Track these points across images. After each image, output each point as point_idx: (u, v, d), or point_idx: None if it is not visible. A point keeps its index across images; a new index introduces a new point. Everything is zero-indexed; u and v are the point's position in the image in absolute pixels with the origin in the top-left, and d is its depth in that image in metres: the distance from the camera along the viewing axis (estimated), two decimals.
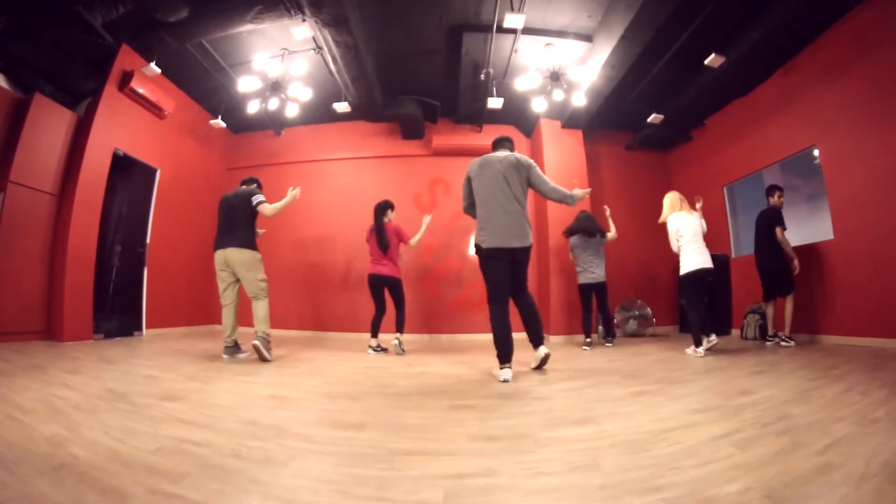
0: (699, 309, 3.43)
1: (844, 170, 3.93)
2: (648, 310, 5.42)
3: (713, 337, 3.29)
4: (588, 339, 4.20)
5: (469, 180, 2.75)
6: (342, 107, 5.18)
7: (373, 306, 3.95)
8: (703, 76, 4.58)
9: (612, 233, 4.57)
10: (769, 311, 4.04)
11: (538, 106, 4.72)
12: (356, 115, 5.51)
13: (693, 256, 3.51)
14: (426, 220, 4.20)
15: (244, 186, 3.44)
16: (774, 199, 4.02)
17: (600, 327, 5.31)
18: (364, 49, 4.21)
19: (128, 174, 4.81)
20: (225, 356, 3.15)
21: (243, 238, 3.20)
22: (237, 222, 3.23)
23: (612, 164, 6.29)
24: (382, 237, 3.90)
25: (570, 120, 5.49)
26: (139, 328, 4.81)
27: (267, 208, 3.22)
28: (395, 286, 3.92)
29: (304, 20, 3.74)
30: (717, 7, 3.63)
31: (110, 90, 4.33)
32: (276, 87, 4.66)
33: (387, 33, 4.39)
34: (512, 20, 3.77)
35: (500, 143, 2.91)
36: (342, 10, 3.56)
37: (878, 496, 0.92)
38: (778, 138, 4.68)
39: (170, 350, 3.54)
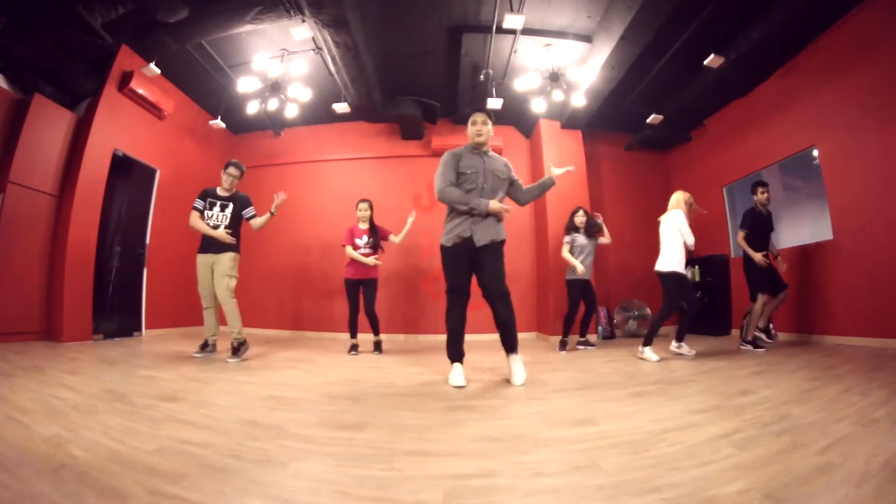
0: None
1: (844, 170, 3.93)
2: (648, 310, 5.43)
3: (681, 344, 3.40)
4: (584, 339, 4.15)
5: None
6: (342, 107, 5.18)
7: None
8: (703, 76, 4.58)
9: (605, 237, 4.38)
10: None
11: (537, 106, 4.73)
12: (356, 115, 5.52)
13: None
14: (410, 219, 4.10)
15: (231, 175, 3.40)
16: (758, 196, 3.92)
17: (600, 327, 5.31)
18: (364, 50, 4.21)
19: (127, 175, 4.80)
20: (197, 355, 3.26)
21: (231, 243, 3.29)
22: (233, 225, 3.33)
23: (612, 164, 6.29)
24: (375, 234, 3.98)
25: (569, 120, 5.49)
26: (139, 329, 4.81)
27: (256, 223, 3.38)
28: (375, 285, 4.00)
29: (303, 21, 3.75)
30: (716, 7, 3.63)
31: (110, 91, 4.33)
32: (275, 87, 4.66)
33: (386, 34, 4.39)
34: (511, 21, 3.77)
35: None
36: (342, 11, 3.56)
37: (879, 496, 0.92)
38: (777, 138, 4.69)
39: (169, 351, 3.54)
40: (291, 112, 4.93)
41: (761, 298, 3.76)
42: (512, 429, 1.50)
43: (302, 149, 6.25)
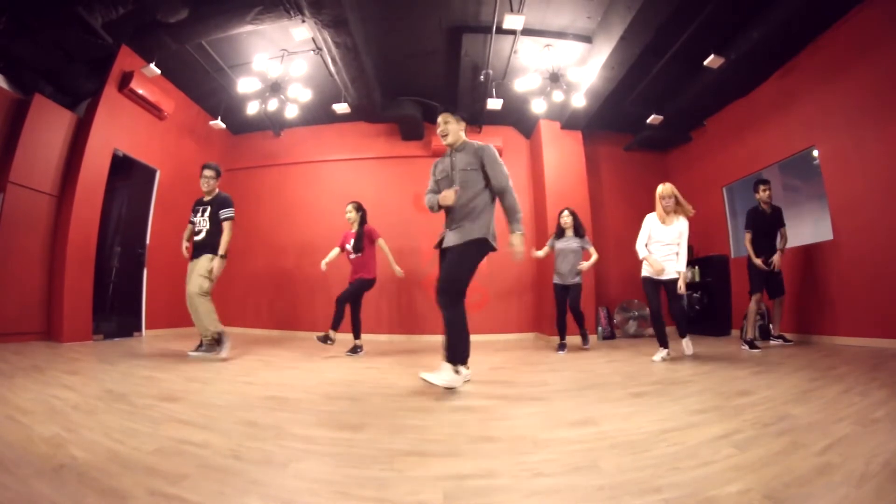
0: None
1: (844, 170, 3.93)
2: (647, 310, 5.43)
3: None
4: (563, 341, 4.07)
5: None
6: (342, 108, 5.18)
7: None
8: (703, 77, 4.58)
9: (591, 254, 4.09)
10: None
11: (537, 107, 4.73)
12: (356, 116, 5.52)
13: None
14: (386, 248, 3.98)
15: (205, 177, 3.37)
16: (759, 194, 3.90)
17: (600, 328, 5.31)
18: (363, 50, 4.21)
19: (127, 175, 4.80)
20: (193, 354, 3.28)
21: (217, 244, 3.28)
22: (213, 227, 3.32)
23: (612, 164, 6.30)
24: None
25: (569, 121, 5.49)
26: (139, 329, 4.81)
27: (226, 234, 3.26)
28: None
29: (303, 21, 3.75)
30: (716, 7, 3.63)
31: (110, 91, 4.33)
32: (275, 88, 4.67)
33: (386, 34, 4.39)
34: (511, 21, 3.77)
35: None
36: (342, 12, 3.56)
37: (879, 496, 0.92)
38: (777, 139, 4.69)
39: (169, 351, 3.54)
40: (291, 112, 4.93)
41: (753, 298, 3.78)
42: (512, 429, 1.50)
43: (302, 149, 6.25)
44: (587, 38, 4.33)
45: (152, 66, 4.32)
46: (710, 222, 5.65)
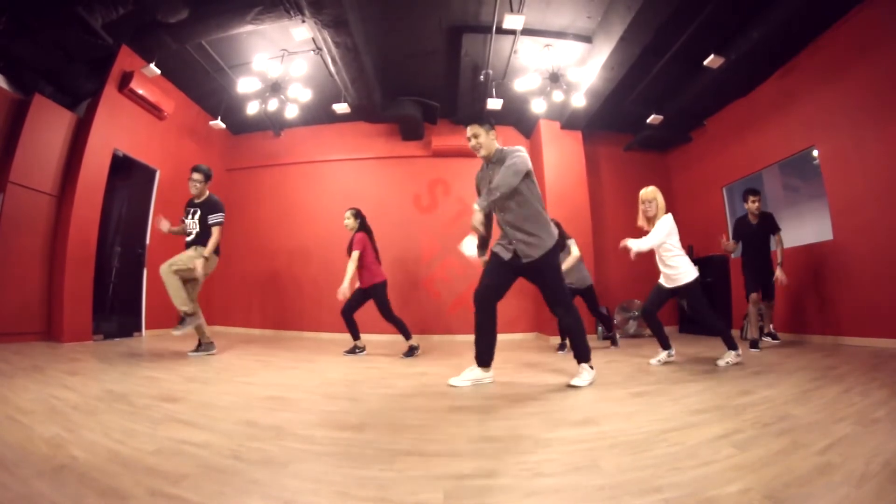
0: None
1: (844, 170, 3.93)
2: None
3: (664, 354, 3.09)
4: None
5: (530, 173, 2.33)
6: (342, 108, 5.18)
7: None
8: (703, 77, 4.57)
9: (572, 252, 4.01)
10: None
11: (537, 107, 4.73)
12: (356, 116, 5.52)
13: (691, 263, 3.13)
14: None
15: (193, 181, 3.37)
16: (747, 205, 3.82)
17: (600, 328, 5.31)
18: (364, 50, 4.21)
19: (127, 175, 4.80)
20: (193, 354, 3.35)
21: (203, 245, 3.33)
22: (203, 230, 3.38)
23: (612, 165, 6.30)
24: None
25: (569, 121, 5.50)
26: (139, 329, 4.80)
27: (213, 238, 3.30)
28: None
29: (303, 21, 3.75)
30: (716, 7, 3.63)
31: (110, 91, 4.33)
32: (275, 88, 4.66)
33: (386, 34, 4.39)
34: (511, 21, 3.77)
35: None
36: (342, 12, 3.56)
37: (879, 496, 0.92)
38: (777, 139, 4.69)
39: (169, 351, 3.54)
40: (291, 112, 4.93)
41: (751, 299, 3.74)
42: (512, 429, 1.50)
43: (302, 149, 6.25)
44: (587, 38, 4.33)
45: (152, 66, 4.32)
46: (710, 222, 5.65)
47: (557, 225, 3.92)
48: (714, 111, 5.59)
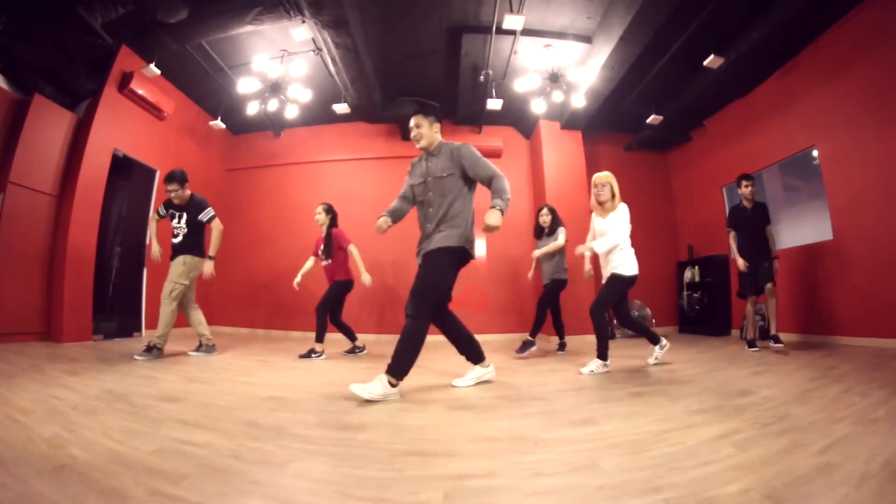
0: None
1: (843, 170, 3.93)
2: (648, 310, 5.42)
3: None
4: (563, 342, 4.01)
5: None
6: (341, 108, 5.18)
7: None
8: (703, 77, 4.58)
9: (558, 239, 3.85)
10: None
11: (537, 107, 4.73)
12: (355, 116, 5.52)
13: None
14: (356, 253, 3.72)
15: (171, 191, 3.27)
16: (741, 190, 3.76)
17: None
18: (363, 50, 4.21)
19: (127, 175, 4.80)
20: (194, 354, 3.37)
21: (193, 245, 3.33)
22: (191, 231, 3.35)
23: (612, 165, 6.27)
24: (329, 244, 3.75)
25: (569, 121, 5.50)
26: (139, 329, 4.81)
27: (215, 234, 3.30)
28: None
29: (303, 21, 3.75)
30: (716, 7, 3.63)
31: (110, 91, 4.33)
32: (275, 88, 4.67)
33: (386, 35, 4.39)
34: (511, 21, 3.77)
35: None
36: (342, 12, 3.56)
37: (879, 496, 0.92)
38: (777, 139, 4.69)
39: (169, 351, 3.54)
40: (291, 113, 4.93)
41: (749, 299, 3.73)
42: (512, 429, 1.50)
43: (302, 149, 6.25)
44: (587, 39, 4.33)
45: (152, 66, 4.32)
46: (710, 222, 5.65)
47: (553, 211, 3.97)
48: (714, 111, 5.60)
